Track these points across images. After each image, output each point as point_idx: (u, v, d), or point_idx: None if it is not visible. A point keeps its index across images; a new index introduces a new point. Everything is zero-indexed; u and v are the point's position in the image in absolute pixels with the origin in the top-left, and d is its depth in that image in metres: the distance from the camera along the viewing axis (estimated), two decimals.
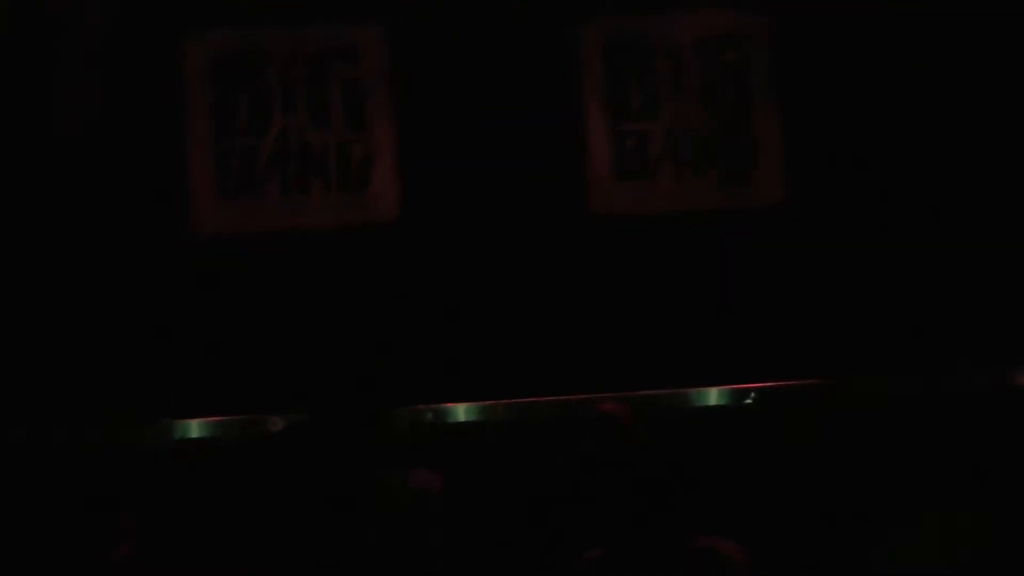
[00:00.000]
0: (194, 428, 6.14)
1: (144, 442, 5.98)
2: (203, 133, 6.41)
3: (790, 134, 6.57)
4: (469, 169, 6.39)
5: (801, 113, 6.56)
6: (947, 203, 6.45)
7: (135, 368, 6.18)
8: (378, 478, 3.61)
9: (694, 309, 6.36)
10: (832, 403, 6.22)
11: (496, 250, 6.38)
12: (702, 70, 6.61)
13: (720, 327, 6.34)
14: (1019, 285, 6.41)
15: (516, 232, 6.39)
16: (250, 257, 6.36)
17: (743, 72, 6.63)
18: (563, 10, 6.52)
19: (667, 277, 6.41)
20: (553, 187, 6.45)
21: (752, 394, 6.28)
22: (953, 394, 6.23)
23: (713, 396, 6.28)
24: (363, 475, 3.72)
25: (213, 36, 6.41)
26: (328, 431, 3.73)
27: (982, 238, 6.41)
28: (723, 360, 6.29)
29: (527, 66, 6.47)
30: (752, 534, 4.17)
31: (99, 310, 6.22)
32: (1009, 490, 5.75)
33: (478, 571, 4.09)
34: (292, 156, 6.45)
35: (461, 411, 6.20)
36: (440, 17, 6.44)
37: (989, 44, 6.47)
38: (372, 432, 3.72)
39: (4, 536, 5.43)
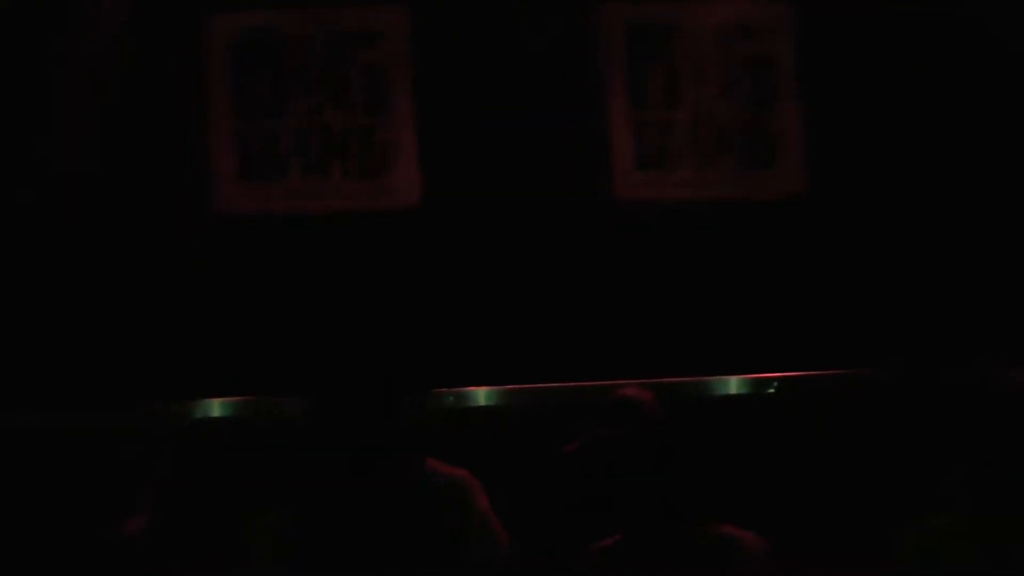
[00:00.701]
0: (214, 408, 6.14)
1: (163, 422, 5.98)
2: (224, 114, 6.40)
3: (812, 125, 6.54)
4: (491, 155, 6.37)
5: (824, 104, 6.53)
6: (970, 196, 6.43)
7: (153, 349, 6.18)
8: (418, 477, 3.57)
9: (714, 298, 6.35)
10: (853, 393, 6.20)
11: (518, 236, 6.37)
12: (725, 59, 6.58)
13: (741, 316, 6.32)
14: None
15: (538, 218, 6.38)
16: (270, 239, 6.36)
17: (766, 62, 6.60)
18: None
19: (688, 265, 6.40)
20: (575, 174, 6.44)
21: (775, 383, 6.26)
22: (976, 387, 6.19)
23: (734, 385, 6.26)
24: (384, 459, 3.68)
25: (235, 17, 6.39)
26: (347, 413, 3.70)
27: (1007, 230, 6.38)
28: (744, 349, 6.27)
29: (550, 52, 6.45)
30: (771, 524, 4.15)
31: (119, 289, 6.23)
32: None
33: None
34: (313, 139, 6.44)
35: (481, 395, 6.19)
36: (463, 1, 6.41)
37: (1017, 38, 6.43)
38: (392, 415, 3.69)
39: (25, 515, 5.46)
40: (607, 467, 4.70)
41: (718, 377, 6.25)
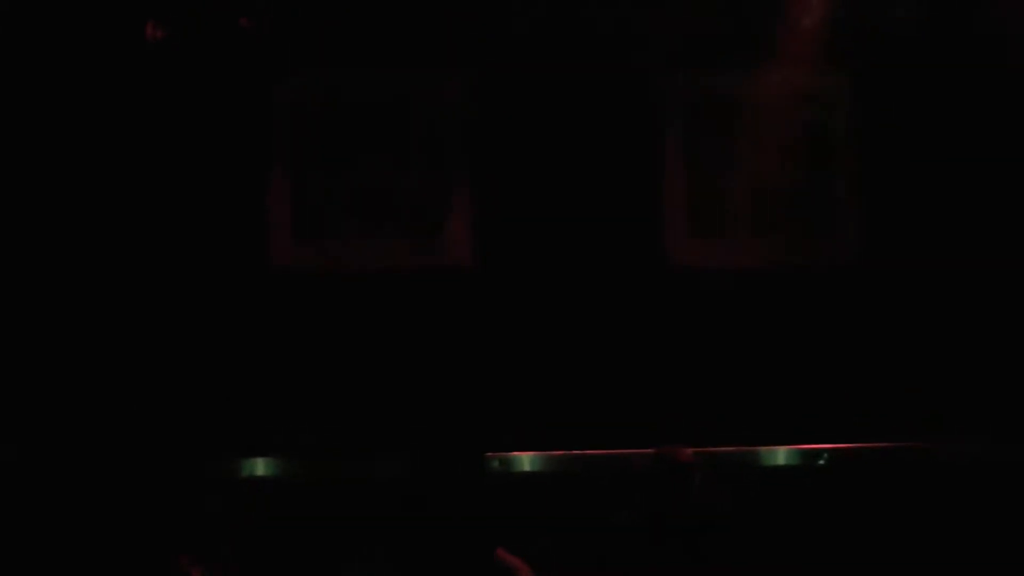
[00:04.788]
0: (259, 466, 6.13)
1: (211, 478, 5.99)
2: (284, 172, 6.43)
3: (868, 193, 6.50)
4: (544, 219, 6.37)
5: (880, 172, 6.49)
6: None
7: (205, 402, 6.19)
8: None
9: (765, 366, 6.30)
10: (904, 466, 6.13)
11: (569, 301, 6.35)
12: (781, 128, 6.56)
13: (791, 385, 6.26)
14: None
15: (590, 282, 6.36)
16: (323, 295, 6.36)
17: (822, 131, 6.58)
18: (644, 64, 6.50)
19: (739, 333, 6.35)
20: (629, 239, 6.42)
21: (824, 455, 6.19)
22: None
23: (783, 456, 6.19)
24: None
25: (296, 78, 6.43)
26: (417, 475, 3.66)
27: None
28: (794, 419, 6.20)
29: (606, 119, 6.45)
30: None
31: (175, 338, 6.24)
32: None
33: None
34: (369, 199, 6.46)
35: (527, 461, 6.14)
36: (523, 67, 6.43)
37: None
38: (451, 478, 3.65)
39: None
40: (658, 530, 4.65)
41: (767, 448, 6.18)
